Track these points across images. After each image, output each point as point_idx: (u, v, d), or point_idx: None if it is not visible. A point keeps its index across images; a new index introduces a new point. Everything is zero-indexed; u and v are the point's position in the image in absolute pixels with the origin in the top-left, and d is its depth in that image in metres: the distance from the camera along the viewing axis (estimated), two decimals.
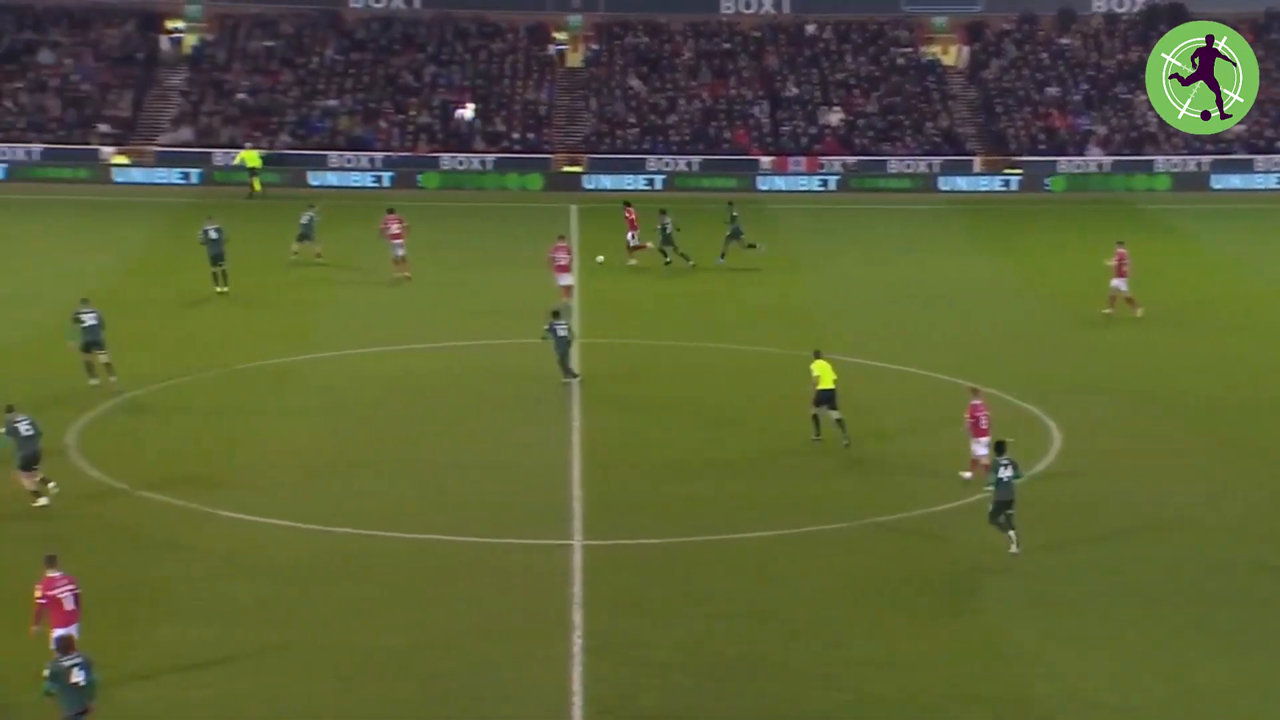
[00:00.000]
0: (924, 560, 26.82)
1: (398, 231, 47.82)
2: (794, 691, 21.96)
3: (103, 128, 70.73)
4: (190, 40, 77.11)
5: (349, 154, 69.93)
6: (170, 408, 34.98)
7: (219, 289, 45.26)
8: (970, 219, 63.54)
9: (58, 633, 20.15)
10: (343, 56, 75.47)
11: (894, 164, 71.15)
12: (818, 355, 32.68)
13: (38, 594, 20.74)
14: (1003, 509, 26.54)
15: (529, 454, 32.09)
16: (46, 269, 48.68)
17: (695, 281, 49.67)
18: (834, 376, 32.10)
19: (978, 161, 72.00)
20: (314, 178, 68.32)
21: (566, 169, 70.14)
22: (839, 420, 32.09)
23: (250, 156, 66.07)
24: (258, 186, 64.80)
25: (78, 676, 18.79)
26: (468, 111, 72.13)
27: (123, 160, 69.19)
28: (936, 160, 71.20)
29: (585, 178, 69.09)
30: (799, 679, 22.30)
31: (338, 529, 27.59)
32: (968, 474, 29.79)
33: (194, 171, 68.22)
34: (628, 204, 52.28)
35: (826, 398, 31.99)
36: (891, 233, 60.82)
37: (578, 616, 23.98)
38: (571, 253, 46.50)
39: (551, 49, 77.75)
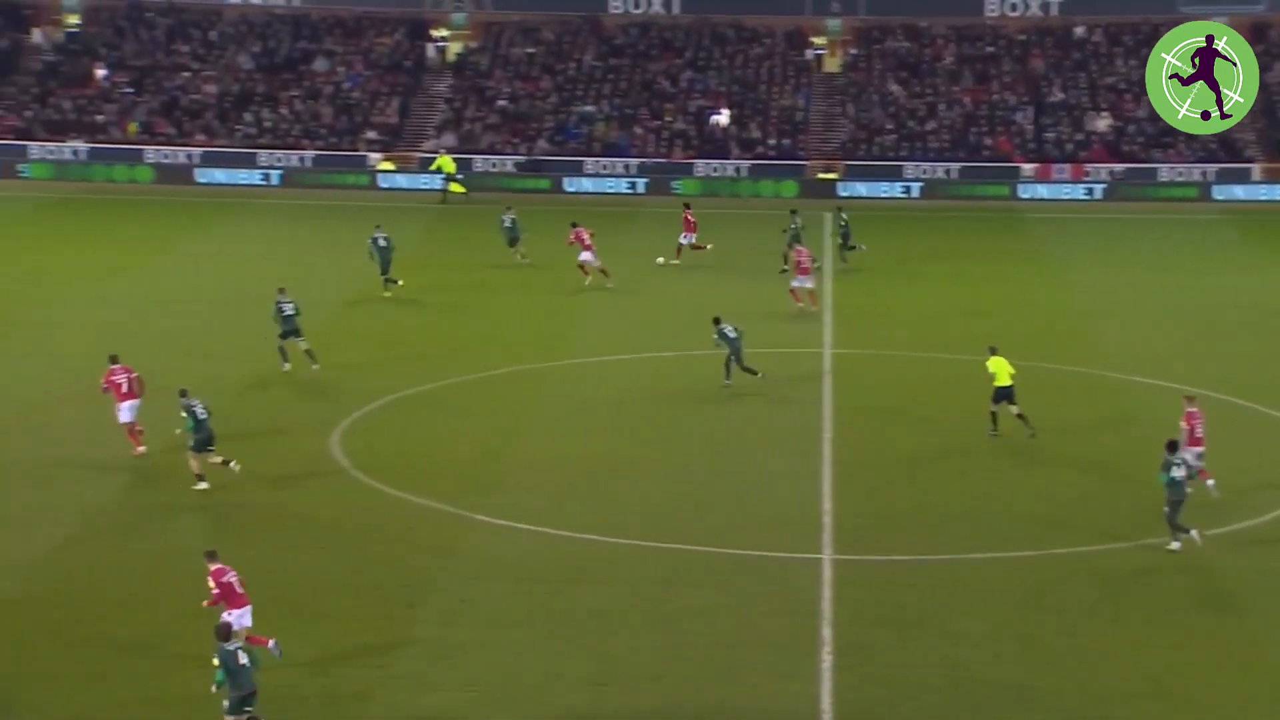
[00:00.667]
0: (1200, 586, 25.55)
1: (589, 242, 47.97)
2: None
3: (370, 134, 72.97)
4: (455, 48, 78.97)
5: (605, 160, 70.60)
6: (430, 410, 35.61)
7: (387, 294, 45.88)
8: (1247, 230, 60.72)
9: (225, 616, 21.27)
10: (601, 62, 76.29)
11: (1165, 172, 68.52)
12: (993, 352, 32.92)
13: (210, 584, 22.02)
14: (1177, 509, 26.19)
15: (779, 463, 31.71)
16: (314, 272, 50.15)
17: (947, 292, 48.75)
18: (1011, 372, 32.45)
19: (1257, 169, 68.82)
20: (569, 184, 69.15)
21: (822, 176, 69.47)
22: (1019, 415, 32.39)
23: (445, 162, 67.08)
24: (456, 188, 65.85)
25: (243, 659, 19.73)
26: (723, 117, 72.11)
27: (388, 166, 71.17)
28: (1211, 168, 68.31)
29: (841, 185, 68.28)
30: (1056, 707, 21.44)
31: (587, 535, 27.65)
32: (1210, 482, 28.70)
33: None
34: (687, 205, 53.56)
35: (1005, 394, 32.41)
36: (1161, 244, 58.52)
37: (827, 632, 23.53)
38: (815, 257, 47.08)
39: (809, 54, 77.21)
